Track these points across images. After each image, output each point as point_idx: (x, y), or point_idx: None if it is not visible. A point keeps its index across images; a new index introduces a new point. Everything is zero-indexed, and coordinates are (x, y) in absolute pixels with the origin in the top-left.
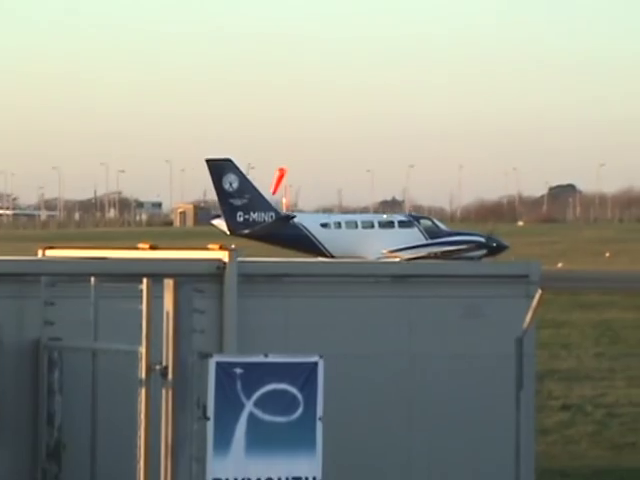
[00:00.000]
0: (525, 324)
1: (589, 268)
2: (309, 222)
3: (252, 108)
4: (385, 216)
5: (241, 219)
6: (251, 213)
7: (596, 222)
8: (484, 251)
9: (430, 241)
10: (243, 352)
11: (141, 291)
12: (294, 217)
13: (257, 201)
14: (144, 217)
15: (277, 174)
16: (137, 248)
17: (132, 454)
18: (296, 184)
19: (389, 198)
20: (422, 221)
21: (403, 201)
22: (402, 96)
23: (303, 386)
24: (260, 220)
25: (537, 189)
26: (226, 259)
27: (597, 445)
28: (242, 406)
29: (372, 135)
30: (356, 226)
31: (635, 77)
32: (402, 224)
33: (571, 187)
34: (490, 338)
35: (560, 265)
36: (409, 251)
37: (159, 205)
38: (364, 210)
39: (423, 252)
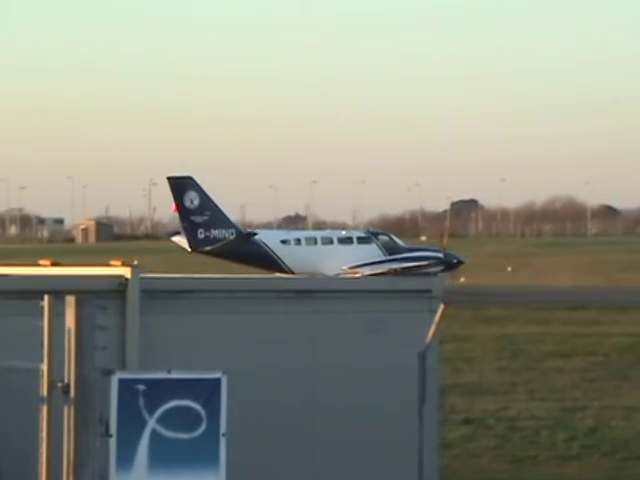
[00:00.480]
0: (428, 338)
1: (491, 282)
2: (269, 239)
3: (156, 126)
4: (344, 232)
5: (202, 236)
6: (212, 230)
7: (498, 236)
8: (442, 267)
9: (390, 257)
10: (146, 369)
11: (42, 308)
12: (255, 234)
13: (218, 218)
14: (46, 234)
15: None
16: (38, 265)
17: (34, 472)
18: None
19: (292, 214)
20: (380, 237)
21: (306, 217)
22: (304, 113)
23: (206, 402)
24: (221, 237)
25: (439, 204)
26: (128, 275)
27: (499, 458)
28: (145, 423)
29: (275, 151)
30: (315, 242)
31: (534, 94)
32: (361, 240)
33: (473, 202)
34: (393, 352)
35: (463, 280)
36: (369, 267)
37: (61, 221)
38: (267, 225)
39: (383, 268)
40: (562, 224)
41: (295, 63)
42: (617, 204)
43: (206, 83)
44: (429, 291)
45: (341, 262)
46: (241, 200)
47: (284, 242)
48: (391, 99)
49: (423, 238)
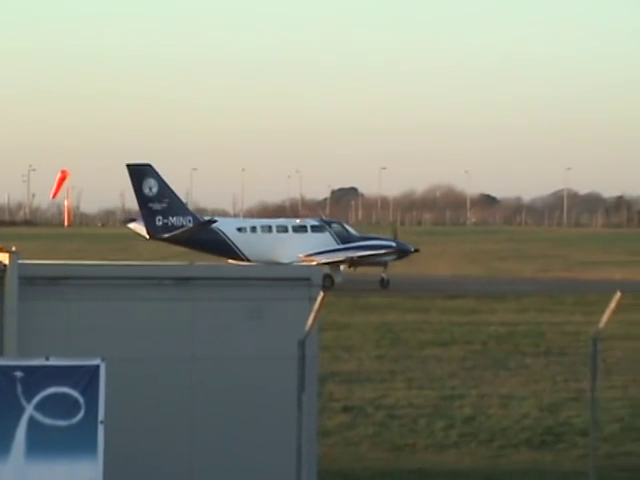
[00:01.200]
0: (307, 327)
1: (370, 271)
2: (226, 226)
3: (35, 113)
4: (298, 220)
5: (160, 223)
6: (170, 217)
7: (378, 225)
8: (394, 256)
9: (345, 245)
10: (24, 355)
11: None
12: (215, 222)
13: (176, 206)
14: None
15: (59, 176)
16: None
17: None
18: (78, 186)
19: None
20: (333, 225)
21: (187, 203)
22: (183, 98)
23: (84, 389)
24: (178, 224)
25: (320, 192)
26: (6, 261)
27: (377, 447)
28: (22, 410)
29: (153, 137)
30: (270, 230)
31: (414, 84)
32: (314, 228)
33: (353, 190)
34: (273, 340)
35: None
36: (325, 255)
37: None
38: None
39: (340, 256)
40: (442, 213)
41: (158, 44)
42: (496, 193)
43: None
44: (308, 279)
45: (296, 250)
46: (121, 187)
47: (240, 230)
48: (271, 85)
49: None
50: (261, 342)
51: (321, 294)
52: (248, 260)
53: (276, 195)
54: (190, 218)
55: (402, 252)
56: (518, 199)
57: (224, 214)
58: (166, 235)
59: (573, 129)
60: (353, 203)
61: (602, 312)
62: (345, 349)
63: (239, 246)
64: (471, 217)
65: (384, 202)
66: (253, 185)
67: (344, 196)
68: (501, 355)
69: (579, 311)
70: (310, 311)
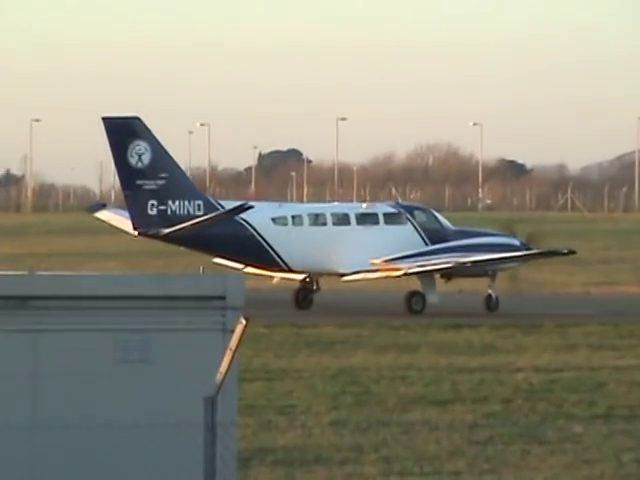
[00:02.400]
0: (220, 375)
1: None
2: (256, 216)
3: None
4: (364, 205)
5: (154, 211)
6: (169, 202)
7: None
8: (520, 261)
9: (441, 245)
10: None
11: None
12: (250, 207)
13: (178, 183)
14: None
15: None
16: None
17: None
18: None
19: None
20: (417, 213)
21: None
22: None
23: None
24: (183, 213)
25: (240, 157)
26: None
27: None
28: None
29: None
30: (323, 221)
31: None
32: (389, 218)
33: (294, 153)
34: (162, 398)
35: (276, 280)
36: (416, 260)
37: None
38: None
39: (442, 262)
40: (438, 189)
41: None
42: (525, 159)
43: None
44: (222, 298)
45: (363, 253)
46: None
47: (276, 221)
48: None
49: None
50: (143, 400)
51: (242, 322)
52: (289, 269)
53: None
54: (200, 203)
55: (543, 254)
56: (561, 168)
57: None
58: (166, 230)
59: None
60: (294, 174)
61: None
62: (282, 411)
63: (275, 247)
64: (485, 196)
65: (344, 172)
66: None
67: (279, 163)
68: (534, 420)
69: None
70: (224, 349)
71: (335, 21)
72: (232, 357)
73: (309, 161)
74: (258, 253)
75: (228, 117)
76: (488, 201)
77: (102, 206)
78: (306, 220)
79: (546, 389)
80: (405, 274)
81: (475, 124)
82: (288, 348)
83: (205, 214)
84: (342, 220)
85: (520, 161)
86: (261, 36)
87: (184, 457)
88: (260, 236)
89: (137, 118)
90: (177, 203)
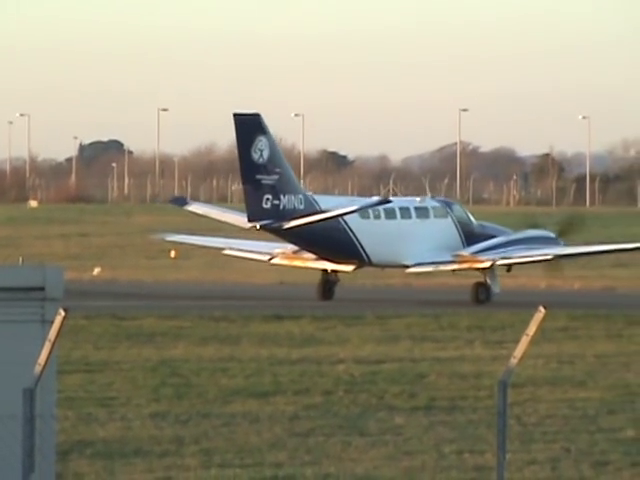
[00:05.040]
0: (38, 367)
1: (140, 276)
2: (337, 209)
3: None
4: (418, 199)
5: (268, 205)
6: (281, 197)
7: (156, 201)
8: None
9: (505, 238)
10: None
11: None
12: (389, 202)
13: (288, 178)
14: None
15: None
16: None
17: None
18: None
19: None
20: (455, 208)
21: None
22: None
23: None
24: (290, 207)
25: (62, 148)
26: None
27: None
28: None
29: None
30: (395, 215)
31: None
32: (437, 212)
33: (115, 144)
34: None
35: (97, 270)
36: (495, 252)
37: None
38: None
39: (539, 254)
40: None
41: None
42: (346, 150)
43: None
44: (41, 289)
45: (421, 246)
46: None
47: (362, 215)
48: None
49: (33, 203)
50: None
51: (61, 313)
52: (371, 263)
53: None
54: (301, 197)
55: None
56: (383, 159)
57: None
58: (286, 225)
59: None
60: (115, 165)
61: (516, 342)
62: (102, 404)
63: (363, 242)
64: (307, 187)
65: (166, 163)
66: None
67: (100, 154)
68: (355, 412)
69: (480, 339)
70: (43, 340)
71: (156, 15)
72: (51, 348)
73: (130, 152)
74: (350, 248)
75: (49, 107)
76: (310, 192)
77: (184, 200)
78: (382, 214)
79: (367, 381)
80: (494, 264)
81: (297, 115)
82: (108, 340)
83: (305, 209)
84: (406, 214)
85: (342, 152)
86: (82, 29)
87: (2, 449)
88: (351, 231)
89: (259, 115)
90: (287, 198)
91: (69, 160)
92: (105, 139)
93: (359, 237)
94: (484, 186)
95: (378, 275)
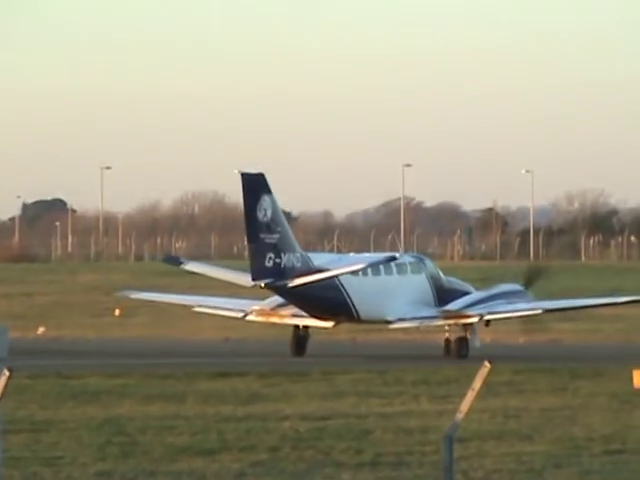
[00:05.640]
0: None
1: (85, 334)
2: (335, 267)
3: None
4: (398, 255)
5: (270, 263)
6: (282, 255)
7: (101, 259)
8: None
9: (485, 293)
10: None
11: None
12: (394, 259)
13: (287, 236)
14: None
15: None
16: None
17: None
18: None
19: None
20: (427, 263)
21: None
22: None
23: None
24: (290, 265)
25: (6, 207)
26: None
27: None
28: None
29: None
30: (379, 271)
31: None
32: (414, 267)
33: (59, 203)
34: None
35: (42, 330)
36: (481, 307)
37: None
38: None
39: (528, 308)
40: (223, 237)
41: None
42: (291, 207)
43: None
44: None
45: (400, 302)
46: None
47: (355, 273)
48: None
49: None
50: None
51: (6, 373)
52: (359, 320)
53: None
54: (299, 255)
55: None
56: (326, 215)
57: None
58: (290, 283)
59: None
60: (59, 224)
61: (462, 396)
62: (48, 463)
63: (354, 300)
64: None
65: (110, 221)
66: None
67: (43, 213)
68: (302, 468)
69: (425, 394)
70: None
71: (86, 63)
72: None
73: (74, 210)
74: (342, 305)
75: None
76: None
77: (175, 259)
78: (369, 270)
79: (313, 437)
80: (480, 321)
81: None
82: (53, 399)
83: (301, 267)
84: (388, 270)
85: (286, 209)
86: (18, 88)
87: None
88: (344, 288)
89: (264, 174)
90: (287, 256)
91: (12, 219)
92: (48, 198)
93: (350, 294)
94: (428, 241)
95: (353, 330)
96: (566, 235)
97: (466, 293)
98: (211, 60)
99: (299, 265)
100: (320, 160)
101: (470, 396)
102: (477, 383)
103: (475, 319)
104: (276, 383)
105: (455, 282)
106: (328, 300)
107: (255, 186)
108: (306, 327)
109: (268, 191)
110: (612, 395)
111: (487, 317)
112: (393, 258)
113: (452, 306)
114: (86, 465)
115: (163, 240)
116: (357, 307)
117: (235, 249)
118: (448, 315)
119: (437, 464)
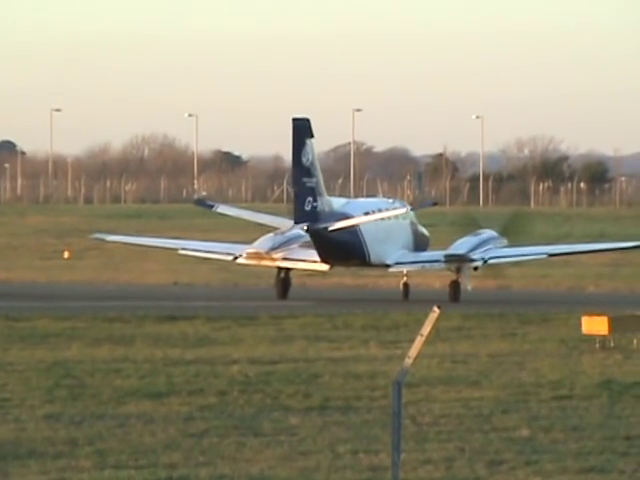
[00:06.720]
0: None
1: (34, 277)
2: (355, 212)
3: None
4: (391, 201)
5: (309, 207)
6: (318, 199)
7: (50, 202)
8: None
9: (476, 237)
10: None
11: None
12: (436, 204)
13: (320, 181)
14: None
15: None
16: None
17: None
18: None
19: None
20: (409, 210)
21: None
22: None
23: None
24: (321, 209)
25: None
26: None
27: None
28: None
29: None
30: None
31: None
32: (404, 214)
33: (8, 145)
34: None
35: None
36: (481, 251)
37: None
38: None
39: (534, 253)
40: (154, 180)
41: None
42: (240, 150)
43: None
44: None
45: (396, 246)
46: None
47: (368, 214)
48: None
49: None
50: None
51: None
52: (370, 264)
53: None
54: (326, 200)
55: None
56: (277, 159)
57: None
58: (330, 226)
59: None
60: (8, 166)
61: (411, 341)
62: None
63: (369, 245)
64: (201, 187)
65: (59, 164)
66: None
67: None
68: (250, 412)
69: (375, 339)
70: None
71: (48, 14)
72: None
73: (23, 153)
74: (359, 249)
75: None
76: (204, 193)
77: (204, 201)
78: (377, 214)
79: (262, 381)
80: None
81: (190, 115)
82: (1, 341)
83: (328, 211)
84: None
85: (236, 152)
86: None
87: None
88: (362, 235)
89: (309, 120)
90: (319, 200)
91: None
92: None
93: (367, 239)
94: (378, 186)
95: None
96: (516, 181)
97: (427, 239)
98: (162, 2)
99: (327, 209)
100: (271, 104)
101: (419, 342)
102: (426, 329)
103: (479, 263)
104: (224, 327)
105: (424, 229)
106: (350, 245)
107: (303, 131)
108: (289, 271)
109: (312, 136)
110: (561, 341)
111: (491, 262)
112: (435, 204)
113: (456, 250)
114: (34, 407)
115: (113, 183)
116: (369, 252)
117: (185, 192)
118: (452, 259)
119: (385, 409)
